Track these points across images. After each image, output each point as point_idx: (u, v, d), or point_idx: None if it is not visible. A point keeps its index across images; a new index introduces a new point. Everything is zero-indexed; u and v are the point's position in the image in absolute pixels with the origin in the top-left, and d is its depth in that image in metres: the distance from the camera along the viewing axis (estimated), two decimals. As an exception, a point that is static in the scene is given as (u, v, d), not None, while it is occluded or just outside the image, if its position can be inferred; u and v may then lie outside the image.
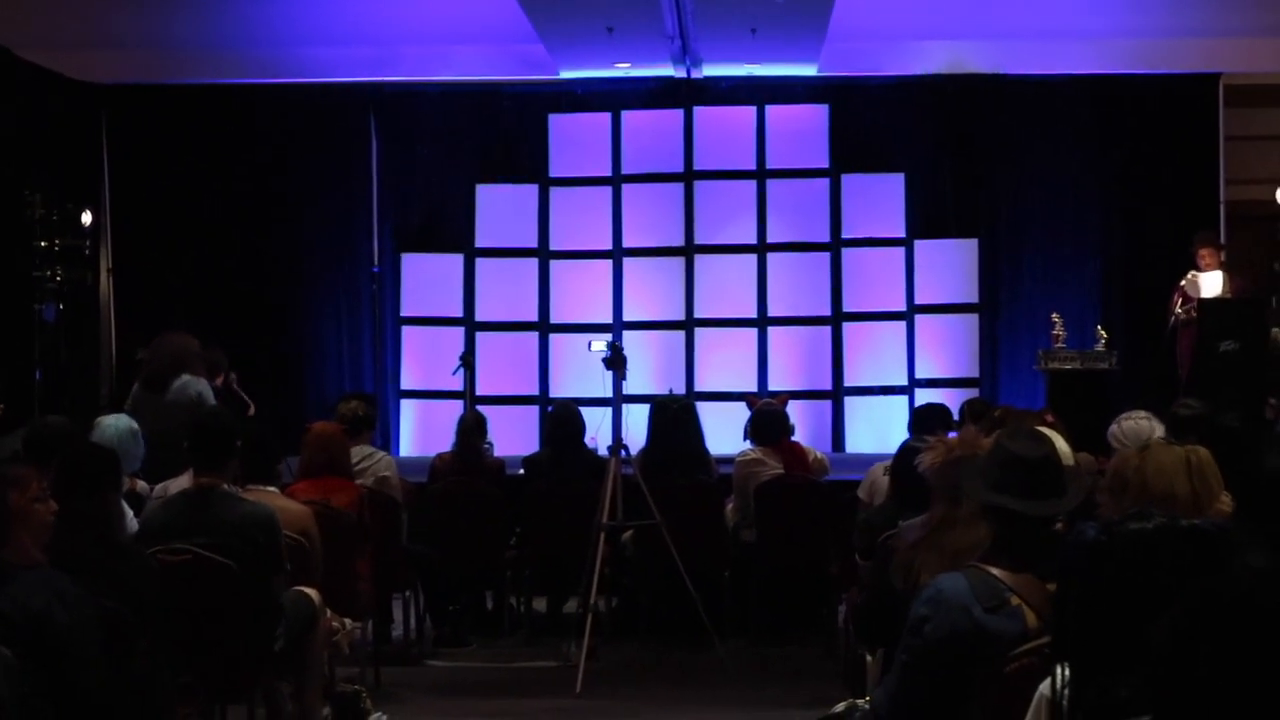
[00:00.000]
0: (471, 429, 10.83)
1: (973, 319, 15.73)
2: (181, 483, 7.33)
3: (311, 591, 7.31)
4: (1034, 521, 4.46)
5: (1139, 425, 7.73)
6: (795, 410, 11.93)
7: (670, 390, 13.78)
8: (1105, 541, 3.44)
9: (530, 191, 16.05)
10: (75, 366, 14.83)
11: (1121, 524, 3.47)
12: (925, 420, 9.23)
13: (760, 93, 15.88)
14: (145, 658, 5.41)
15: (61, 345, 14.25)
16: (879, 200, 15.82)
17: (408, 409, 15.99)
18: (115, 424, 8.57)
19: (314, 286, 16.09)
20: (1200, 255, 13.85)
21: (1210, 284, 13.74)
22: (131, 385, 10.93)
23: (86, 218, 14.79)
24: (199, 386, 10.34)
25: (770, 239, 15.87)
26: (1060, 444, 4.71)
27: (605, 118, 15.99)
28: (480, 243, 16.07)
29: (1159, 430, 7.64)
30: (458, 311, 16.04)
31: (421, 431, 15.74)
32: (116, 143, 16.06)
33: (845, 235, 15.82)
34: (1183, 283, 13.85)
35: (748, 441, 10.79)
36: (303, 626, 7.16)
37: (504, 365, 15.81)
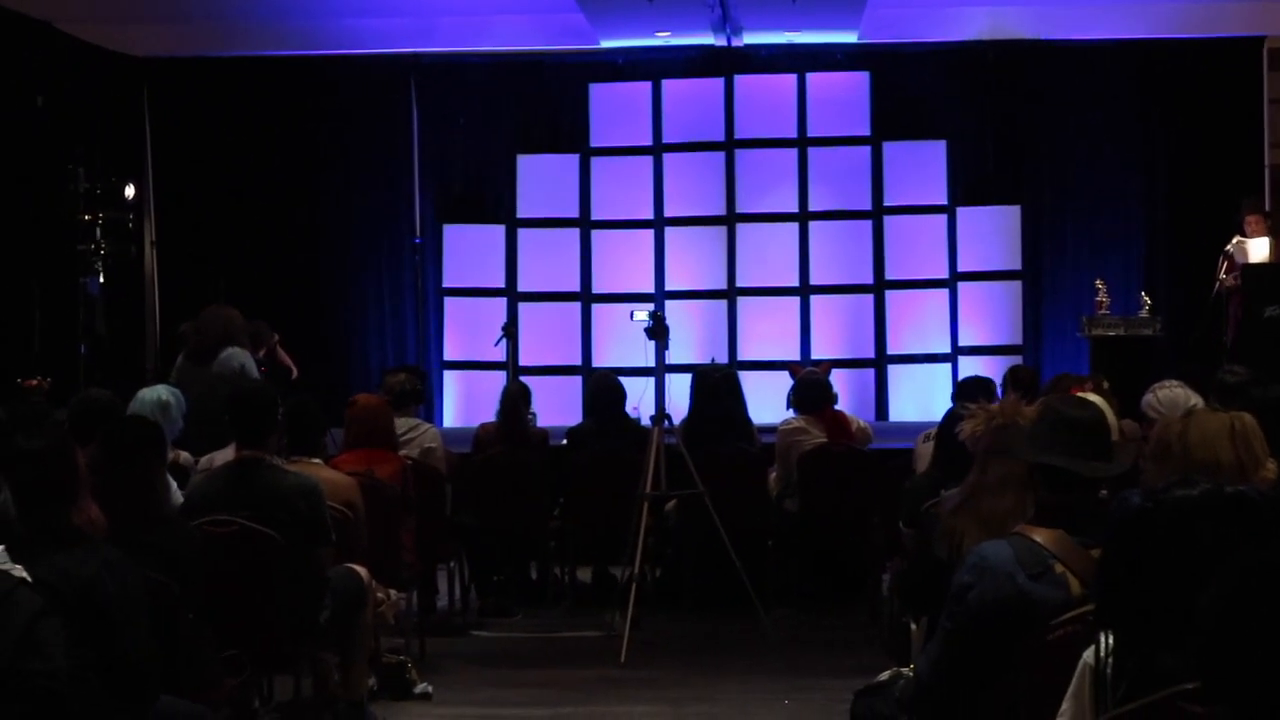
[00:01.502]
0: (515, 399, 10.82)
1: (1016, 286, 15.69)
2: (226, 455, 7.35)
3: (360, 569, 7.33)
4: (1082, 484, 4.44)
5: (1174, 394, 7.69)
6: (838, 379, 11.92)
7: (713, 359, 13.81)
8: (1150, 509, 3.43)
9: (571, 161, 16.07)
10: (119, 339, 14.90)
11: (1166, 491, 3.46)
12: (968, 393, 9.21)
13: (801, 60, 15.84)
14: (190, 628, 5.44)
15: (105, 318, 14.31)
16: (921, 167, 15.79)
17: (450, 380, 16.03)
18: (152, 395, 8.59)
19: (356, 258, 16.15)
20: (1247, 221, 13.73)
21: (1258, 250, 13.63)
22: (176, 358, 10.98)
23: (130, 191, 14.84)
24: (242, 358, 10.39)
25: (812, 207, 15.86)
26: (1108, 412, 4.70)
27: (646, 87, 15.98)
28: (522, 213, 16.10)
29: (1194, 399, 7.60)
30: (499, 282, 16.08)
31: (464, 402, 15.78)
32: (159, 116, 16.12)
33: (887, 203, 15.80)
34: (1229, 248, 13.74)
35: (791, 410, 10.78)
36: (351, 602, 7.19)
37: (546, 336, 15.83)
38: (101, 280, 14.41)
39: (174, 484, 7.04)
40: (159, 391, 8.71)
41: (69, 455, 4.89)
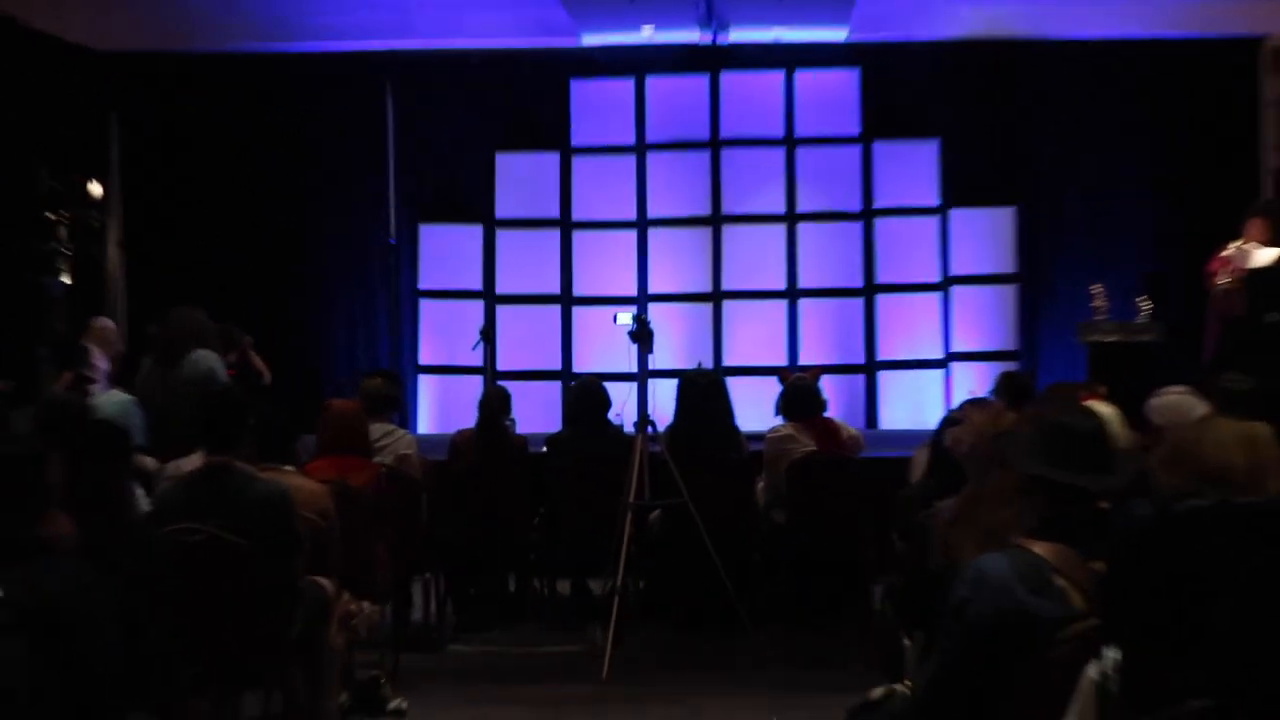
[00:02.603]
0: (494, 406, 10.80)
1: (1010, 290, 15.70)
2: (194, 461, 7.31)
3: (324, 580, 7.29)
4: (1081, 496, 4.42)
5: (1181, 400, 7.68)
6: (827, 385, 11.89)
7: (699, 364, 13.77)
8: (1158, 520, 3.41)
9: (551, 160, 16.06)
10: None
11: (1175, 502, 3.44)
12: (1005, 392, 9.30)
13: (789, 57, 15.84)
14: (158, 643, 5.40)
15: (69, 320, 14.25)
16: (912, 167, 15.79)
17: (425, 385, 16.00)
18: (113, 400, 8.57)
19: (329, 260, 16.11)
20: (1252, 225, 13.68)
21: (1264, 256, 13.58)
22: (141, 361, 10.92)
23: (95, 189, 14.79)
24: (211, 362, 10.34)
25: (800, 208, 15.86)
26: (1111, 421, 4.67)
27: (629, 84, 15.98)
28: (500, 213, 16.10)
29: (1201, 406, 7.59)
30: (477, 284, 16.06)
31: (440, 408, 15.76)
32: (125, 112, 16.06)
33: (877, 204, 15.81)
34: (1226, 252, 13.70)
35: (779, 417, 10.76)
36: (315, 615, 7.15)
37: (525, 340, 15.82)
38: (65, 280, 14.36)
39: (140, 491, 7.00)
40: (120, 396, 8.68)
41: (38, 463, 4.84)
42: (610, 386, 11.02)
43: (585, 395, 10.96)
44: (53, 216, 14.16)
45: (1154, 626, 3.35)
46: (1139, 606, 3.39)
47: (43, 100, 14.50)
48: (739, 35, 15.45)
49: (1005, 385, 9.79)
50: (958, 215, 15.74)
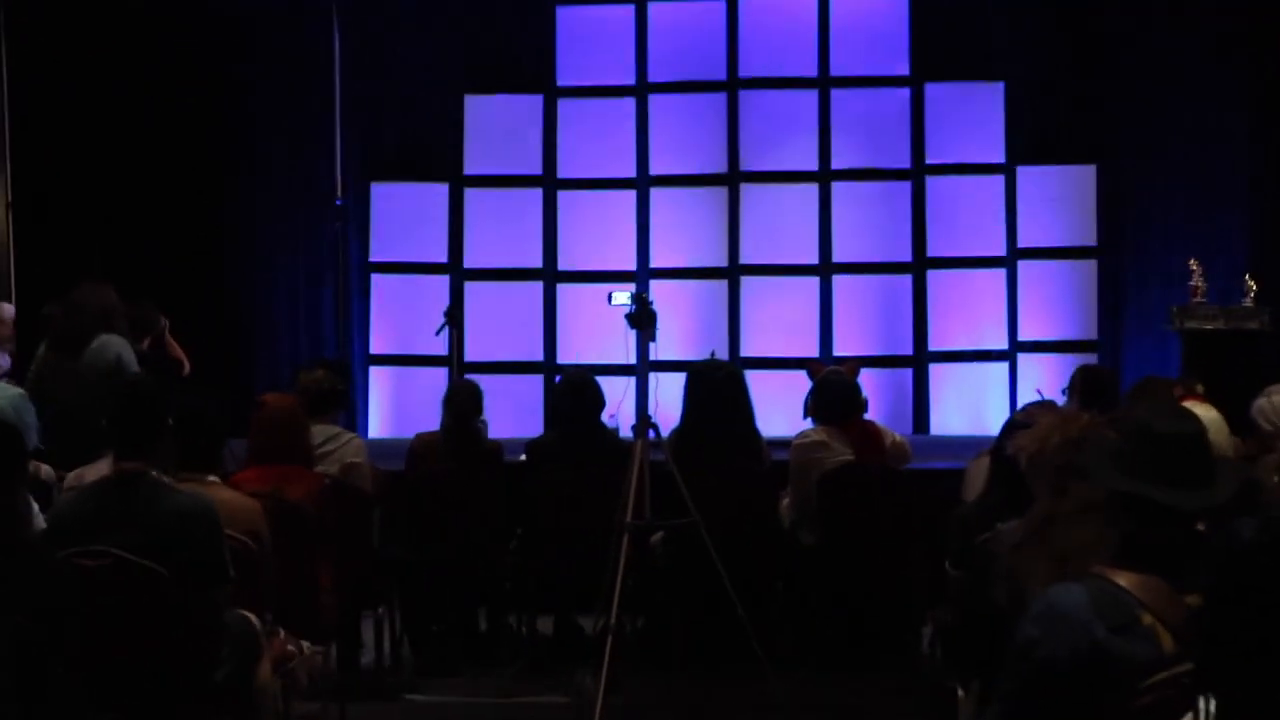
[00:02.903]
0: (462, 404, 10.81)
1: (1089, 266, 15.71)
2: (100, 469, 7.34)
3: (249, 615, 7.31)
4: (1174, 516, 4.44)
5: (1293, 400, 7.73)
6: (867, 381, 11.93)
7: (712, 354, 13.78)
8: (1265, 543, 3.44)
9: (533, 104, 16.07)
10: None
11: (1285, 521, 3.47)
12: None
13: (823, -21, 15.89)
14: (58, 686, 5.43)
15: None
16: (972, 116, 15.82)
17: (379, 379, 16.03)
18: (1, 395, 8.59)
19: (263, 226, 16.12)
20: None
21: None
22: (36, 348, 10.95)
23: (-22, 139, 14.82)
24: (119, 348, 10.36)
25: (835, 165, 15.87)
26: (1210, 425, 4.70)
27: (628, 11, 15.98)
28: (470, 169, 16.12)
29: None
30: (442, 256, 16.08)
31: (396, 407, 15.79)
32: (16, 46, 16.03)
33: (930, 160, 15.82)
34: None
35: (808, 420, 10.79)
36: (243, 655, 7.16)
37: (500, 324, 15.84)
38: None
39: (35, 505, 7.03)
40: (7, 391, 8.70)
41: None
42: (603, 381, 11.05)
43: (574, 392, 10.99)
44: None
45: (1259, 670, 3.39)
46: (1242, 647, 3.42)
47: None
48: (762, -47, 15.53)
49: (1082, 382, 9.84)
50: (1026, 174, 15.75)
